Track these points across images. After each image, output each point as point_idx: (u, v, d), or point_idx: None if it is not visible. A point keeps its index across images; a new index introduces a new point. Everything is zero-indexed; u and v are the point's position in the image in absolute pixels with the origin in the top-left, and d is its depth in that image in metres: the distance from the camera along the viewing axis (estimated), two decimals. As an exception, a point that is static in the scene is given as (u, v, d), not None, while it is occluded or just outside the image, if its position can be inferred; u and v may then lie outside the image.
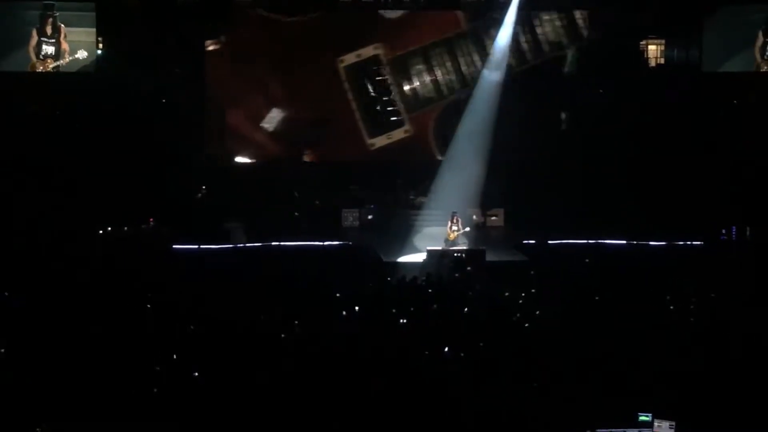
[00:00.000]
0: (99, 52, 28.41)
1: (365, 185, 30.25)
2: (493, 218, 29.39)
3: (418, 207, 29.03)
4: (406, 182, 30.07)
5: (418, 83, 29.34)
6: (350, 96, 29.25)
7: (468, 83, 29.10)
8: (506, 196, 29.34)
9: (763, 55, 28.90)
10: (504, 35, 28.62)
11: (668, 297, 17.70)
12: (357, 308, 16.52)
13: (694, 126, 28.71)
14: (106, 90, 27.89)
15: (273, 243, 26.20)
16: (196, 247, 25.58)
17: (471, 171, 27.64)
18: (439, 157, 29.14)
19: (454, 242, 24.86)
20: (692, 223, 26.49)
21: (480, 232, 27.50)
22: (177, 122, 28.79)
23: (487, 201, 28.74)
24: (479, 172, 27.76)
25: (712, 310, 16.80)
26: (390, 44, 29.17)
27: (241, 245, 26.01)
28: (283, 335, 14.50)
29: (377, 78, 29.30)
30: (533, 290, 18.63)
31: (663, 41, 30.94)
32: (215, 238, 26.23)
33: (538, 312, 16.21)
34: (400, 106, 29.40)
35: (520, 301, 17.60)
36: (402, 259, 24.49)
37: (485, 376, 12.38)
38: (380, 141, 29.63)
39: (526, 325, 15.34)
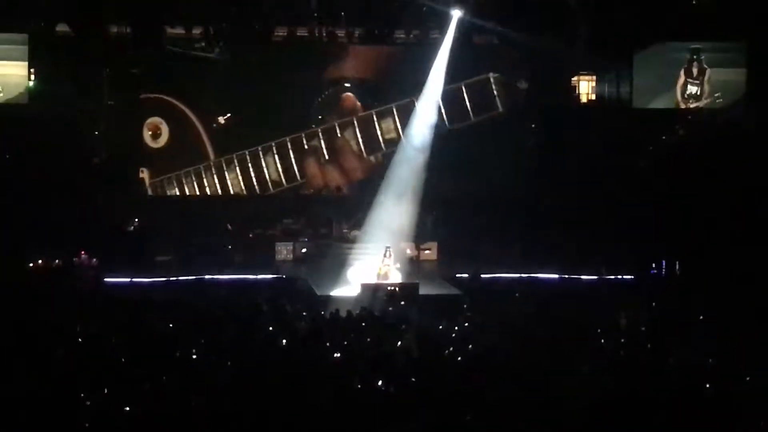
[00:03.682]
0: (31, 83, 28.10)
1: (299, 218, 30.28)
2: (427, 252, 29.46)
3: (352, 240, 29.03)
4: (339, 216, 30.14)
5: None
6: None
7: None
8: (439, 229, 29.58)
9: (683, 94, 29.10)
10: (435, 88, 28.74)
11: (599, 330, 17.85)
12: (285, 341, 16.45)
13: (624, 161, 29.09)
14: (39, 121, 27.58)
15: (206, 276, 26.06)
16: (128, 280, 25.38)
17: (404, 205, 27.75)
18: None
19: (385, 276, 24.94)
20: (624, 257, 26.83)
21: (413, 266, 27.56)
22: (110, 153, 28.66)
23: (420, 235, 28.86)
24: (412, 205, 27.88)
25: (642, 343, 16.94)
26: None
27: (174, 278, 25.85)
28: (216, 369, 14.39)
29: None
30: (466, 324, 18.71)
31: (594, 77, 31.26)
32: (148, 270, 26.08)
33: (470, 346, 16.25)
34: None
35: (453, 335, 17.64)
36: (335, 292, 24.43)
37: (418, 409, 12.38)
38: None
39: (459, 359, 15.36)
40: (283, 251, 29.44)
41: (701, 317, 19.32)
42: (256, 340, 16.64)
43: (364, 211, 28.50)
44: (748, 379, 13.73)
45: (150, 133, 29.26)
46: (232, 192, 29.60)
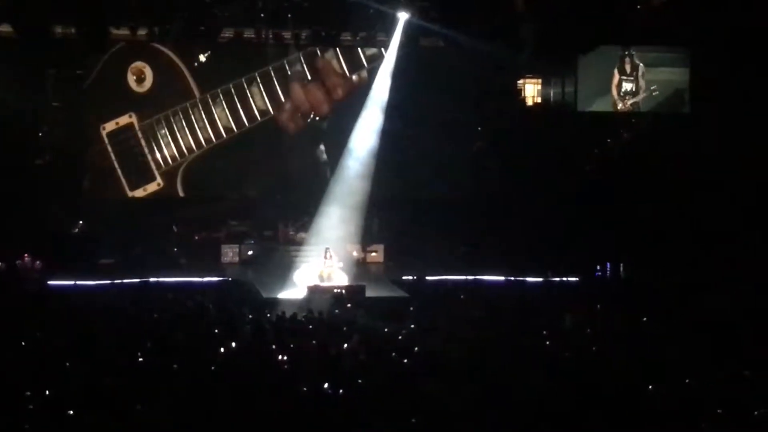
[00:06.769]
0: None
1: (244, 220, 30.18)
2: (373, 254, 29.53)
3: (299, 243, 29.01)
4: (285, 218, 30.06)
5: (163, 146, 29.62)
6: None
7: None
8: (385, 232, 29.63)
9: (619, 92, 29.56)
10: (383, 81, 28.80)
11: (545, 332, 17.95)
12: (234, 344, 16.40)
13: (569, 165, 29.29)
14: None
15: (151, 279, 25.89)
16: (72, 283, 25.16)
17: (351, 207, 27.75)
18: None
19: (329, 278, 24.97)
20: (569, 260, 27.01)
21: (360, 268, 27.60)
22: (54, 155, 28.41)
23: (366, 237, 28.89)
24: (358, 208, 27.89)
25: (587, 345, 17.06)
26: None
27: (118, 281, 25.66)
28: (162, 371, 14.32)
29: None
30: (413, 326, 18.74)
31: (540, 80, 31.44)
32: (92, 273, 25.87)
33: (417, 348, 16.29)
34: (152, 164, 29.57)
35: (400, 337, 17.67)
36: (281, 295, 24.41)
37: (364, 412, 12.38)
38: (138, 193, 29.48)
39: (405, 361, 15.39)
40: (229, 253, 29.34)
41: (645, 319, 19.52)
42: (202, 342, 16.59)
43: (311, 213, 28.47)
44: (687, 381, 13.89)
45: (134, 77, 29.21)
46: (220, 126, 29.53)
